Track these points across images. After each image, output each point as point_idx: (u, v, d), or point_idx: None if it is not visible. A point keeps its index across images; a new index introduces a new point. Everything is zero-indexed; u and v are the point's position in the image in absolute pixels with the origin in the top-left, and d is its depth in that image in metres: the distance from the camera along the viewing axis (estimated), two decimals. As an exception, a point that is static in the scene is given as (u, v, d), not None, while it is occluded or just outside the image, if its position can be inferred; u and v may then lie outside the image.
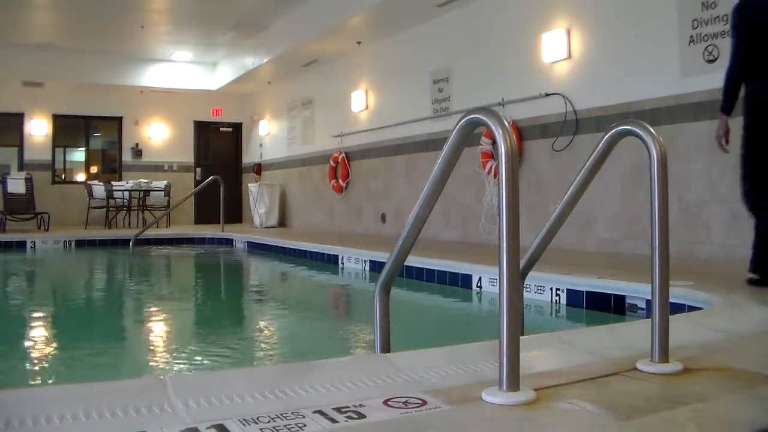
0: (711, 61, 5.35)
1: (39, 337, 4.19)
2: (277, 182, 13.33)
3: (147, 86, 13.74)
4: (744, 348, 2.36)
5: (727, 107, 3.71)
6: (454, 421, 1.55)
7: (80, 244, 10.31)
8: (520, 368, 1.70)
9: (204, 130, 15.21)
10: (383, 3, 8.18)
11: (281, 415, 1.56)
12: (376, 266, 6.36)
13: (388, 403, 1.67)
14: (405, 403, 1.67)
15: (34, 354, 3.62)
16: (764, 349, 2.39)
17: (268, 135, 14.27)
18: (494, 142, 1.68)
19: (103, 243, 10.50)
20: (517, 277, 1.75)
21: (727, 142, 3.73)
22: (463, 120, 1.92)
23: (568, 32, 6.73)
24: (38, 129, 13.66)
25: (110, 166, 14.76)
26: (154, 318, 4.95)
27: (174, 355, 3.57)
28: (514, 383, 1.68)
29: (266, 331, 4.40)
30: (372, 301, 2.45)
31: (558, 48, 6.80)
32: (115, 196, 12.65)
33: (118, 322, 4.85)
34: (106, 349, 3.74)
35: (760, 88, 3.62)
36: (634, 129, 2.16)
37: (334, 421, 1.53)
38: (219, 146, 15.41)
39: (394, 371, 1.96)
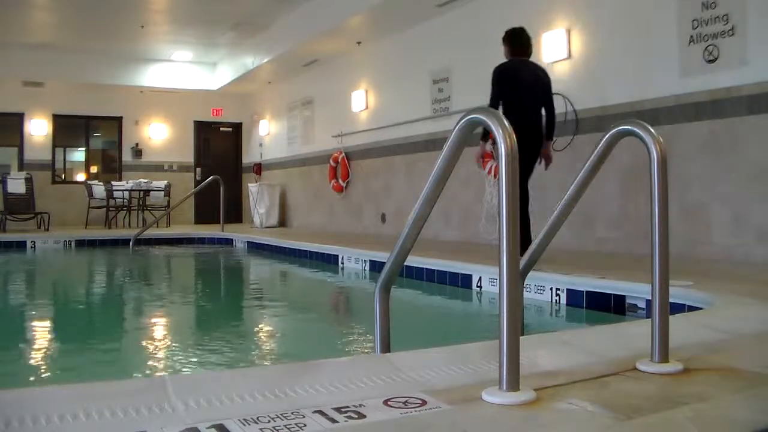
0: (711, 61, 5.35)
1: (39, 337, 4.19)
2: (277, 182, 13.33)
3: (147, 86, 13.75)
4: (744, 348, 2.36)
5: (485, 138, 5.24)
6: (454, 421, 1.55)
7: (80, 244, 10.31)
8: (520, 368, 1.70)
9: (204, 130, 15.21)
10: (383, 3, 8.18)
11: (281, 415, 1.56)
12: (376, 266, 6.36)
13: (388, 403, 1.66)
14: (405, 403, 1.67)
15: (34, 354, 3.62)
16: (764, 349, 2.38)
17: (268, 135, 14.27)
18: (494, 142, 1.68)
19: (103, 243, 10.50)
20: (517, 277, 1.74)
21: (483, 161, 5.36)
22: (463, 120, 1.92)
23: (568, 32, 6.73)
24: (38, 129, 13.66)
25: (110, 166, 14.76)
26: (153, 318, 4.94)
27: (174, 354, 3.57)
28: (514, 383, 1.68)
29: (266, 331, 4.40)
30: (372, 300, 2.45)
31: (558, 48, 6.80)
32: (115, 196, 12.65)
33: (118, 321, 4.84)
34: (106, 349, 3.74)
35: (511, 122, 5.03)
36: (634, 129, 2.16)
37: (334, 421, 1.53)
38: (219, 146, 15.41)
39: (394, 371, 1.95)
